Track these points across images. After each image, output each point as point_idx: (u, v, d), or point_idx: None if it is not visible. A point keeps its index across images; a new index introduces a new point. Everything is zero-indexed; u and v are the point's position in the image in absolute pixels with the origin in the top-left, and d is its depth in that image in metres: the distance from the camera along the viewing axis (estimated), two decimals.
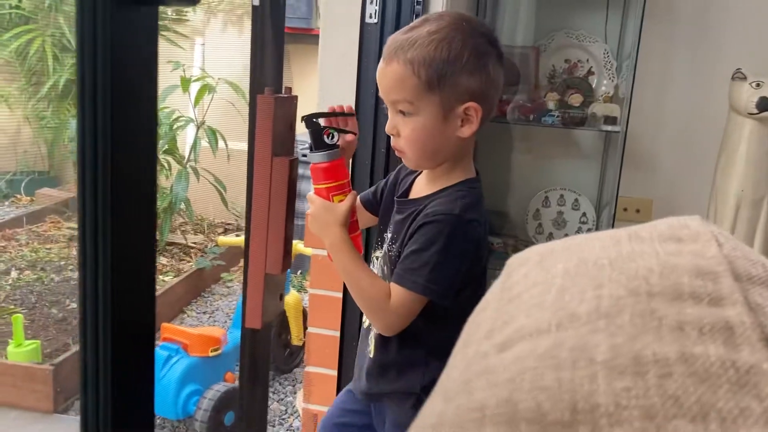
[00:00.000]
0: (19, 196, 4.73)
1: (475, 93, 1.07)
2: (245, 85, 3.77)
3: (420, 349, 1.17)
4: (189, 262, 3.88)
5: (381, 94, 1.12)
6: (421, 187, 1.20)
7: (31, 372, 2.51)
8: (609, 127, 2.17)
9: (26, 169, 4.92)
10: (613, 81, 2.33)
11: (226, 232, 4.48)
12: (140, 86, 0.51)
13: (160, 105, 3.71)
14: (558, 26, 2.39)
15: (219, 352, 2.46)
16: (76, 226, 4.17)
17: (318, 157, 1.10)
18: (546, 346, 0.28)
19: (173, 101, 3.74)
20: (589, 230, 2.44)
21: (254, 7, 0.87)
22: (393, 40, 1.09)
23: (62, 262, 3.63)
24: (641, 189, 2.41)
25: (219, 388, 2.32)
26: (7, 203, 4.67)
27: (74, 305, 3.16)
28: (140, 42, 0.50)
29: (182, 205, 3.86)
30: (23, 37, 4.69)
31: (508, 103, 2.31)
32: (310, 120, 1.10)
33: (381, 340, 1.19)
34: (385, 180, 1.28)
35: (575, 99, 2.20)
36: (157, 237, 3.84)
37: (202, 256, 3.92)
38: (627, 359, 0.25)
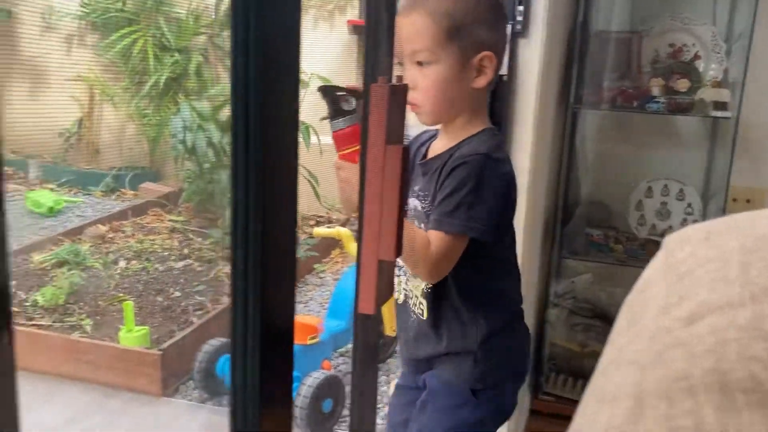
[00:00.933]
0: (124, 190, 4.98)
1: (490, 44, 1.12)
2: (337, 80, 3.82)
3: (470, 303, 1.17)
4: None
5: (397, 47, 1.12)
6: (439, 147, 1.21)
7: (141, 356, 2.64)
8: (719, 113, 2.07)
9: (130, 165, 5.16)
10: (722, 65, 2.22)
11: (317, 223, 4.56)
12: (286, 68, 0.52)
13: None
14: (661, 10, 2.30)
15: (316, 340, 2.51)
16: (177, 218, 4.34)
17: (343, 123, 1.12)
18: (746, 317, 0.27)
19: None
20: (695, 221, 2.34)
21: None
22: None
23: (165, 253, 3.80)
24: (753, 178, 2.29)
25: (317, 376, 2.38)
26: (113, 197, 4.92)
27: (178, 294, 3.30)
28: (286, 27, 0.51)
29: None
30: (127, 39, 4.93)
31: (609, 90, 2.25)
32: (327, 90, 1.13)
33: (432, 299, 1.19)
34: None
35: (682, 84, 2.12)
36: None
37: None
38: None
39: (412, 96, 1.13)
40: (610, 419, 0.28)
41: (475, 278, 1.18)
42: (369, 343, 1.03)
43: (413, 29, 1.10)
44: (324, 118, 1.15)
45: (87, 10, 5.21)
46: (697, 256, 0.35)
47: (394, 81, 0.99)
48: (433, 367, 1.24)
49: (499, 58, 1.15)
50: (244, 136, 0.49)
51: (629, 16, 2.37)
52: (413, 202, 1.20)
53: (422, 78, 1.12)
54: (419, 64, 1.12)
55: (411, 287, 1.23)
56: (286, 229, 0.56)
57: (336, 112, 1.12)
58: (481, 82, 1.13)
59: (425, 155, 1.23)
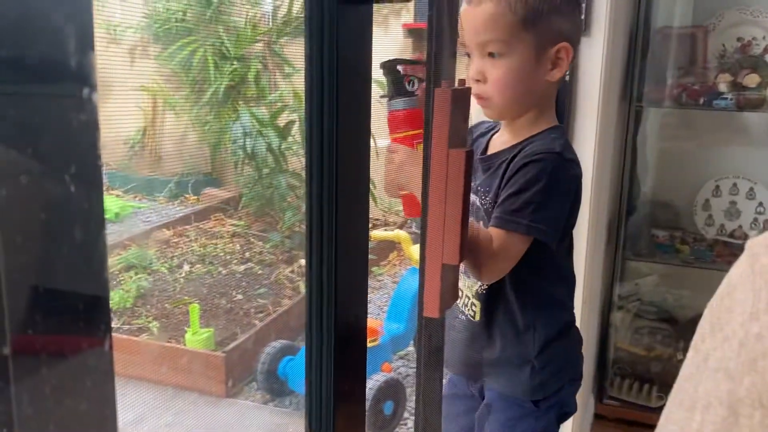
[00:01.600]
0: (187, 196, 5.10)
1: (567, 34, 1.06)
2: None
3: (527, 308, 1.13)
4: None
5: (466, 37, 1.07)
6: (503, 142, 1.15)
7: (206, 358, 2.70)
8: None
9: (192, 171, 5.29)
10: None
11: (374, 227, 4.58)
12: (359, 74, 0.53)
13: None
14: (727, 3, 2.23)
15: (376, 342, 2.52)
16: (238, 222, 4.42)
17: (402, 104, 1.08)
18: None
19: None
20: (766, 221, 2.26)
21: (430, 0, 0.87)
22: None
23: (227, 257, 3.88)
24: None
25: (378, 378, 2.38)
26: (177, 203, 5.05)
27: (240, 297, 3.37)
28: (358, 35, 0.52)
29: None
30: (188, 48, 5.05)
31: (674, 86, 2.19)
32: (390, 66, 1.08)
33: (487, 300, 1.15)
34: None
35: (751, 79, 2.05)
36: None
37: None
38: None
39: (481, 89, 1.08)
40: (702, 427, 0.27)
41: (533, 282, 1.14)
42: (434, 346, 1.03)
43: (486, 18, 1.04)
44: (383, 96, 1.11)
45: (149, 22, 5.37)
46: None
47: (456, 84, 0.99)
48: (487, 375, 1.21)
49: (575, 49, 1.09)
50: (319, 145, 0.50)
51: (693, 10, 2.30)
52: (472, 198, 1.16)
53: (492, 69, 1.06)
54: (490, 55, 1.06)
55: (463, 286, 1.18)
56: (359, 232, 0.57)
57: (396, 91, 1.08)
58: (556, 75, 1.07)
59: (486, 149, 1.19)
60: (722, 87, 2.08)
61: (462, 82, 1.02)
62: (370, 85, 0.52)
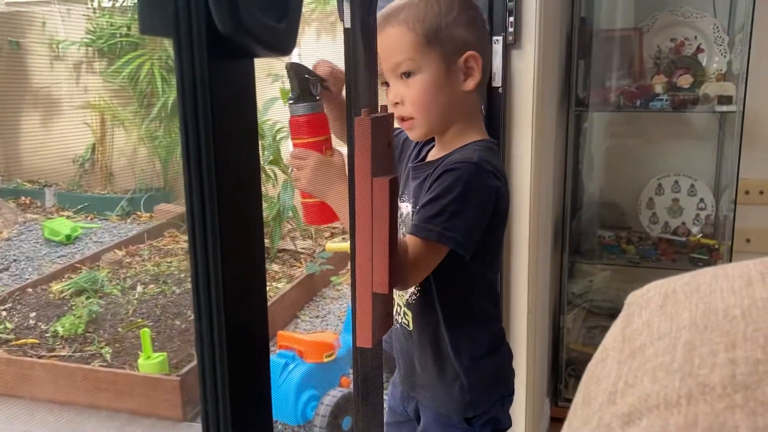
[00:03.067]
0: (139, 213, 5.02)
1: (472, 44, 1.09)
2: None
3: (453, 318, 1.14)
4: (299, 267, 3.98)
5: (378, 67, 1.08)
6: (433, 154, 1.18)
7: (160, 383, 2.65)
8: (724, 108, 2.04)
9: (144, 187, 5.21)
10: (725, 57, 2.19)
11: (332, 235, 4.57)
12: (241, 137, 0.51)
13: (263, 118, 3.83)
14: (660, 4, 2.27)
15: (333, 357, 2.50)
16: None
17: (303, 109, 1.06)
18: (677, 424, 0.26)
19: (274, 113, 3.85)
20: (707, 216, 2.31)
21: (346, 30, 0.87)
22: (380, 14, 1.08)
23: (182, 275, 3.82)
24: (765, 169, 2.24)
25: (335, 394, 2.37)
26: (129, 221, 4.96)
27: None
28: (239, 93, 0.50)
29: (290, 213, 3.97)
30: (134, 63, 4.98)
31: (612, 90, 2.22)
32: (297, 69, 1.07)
33: (417, 309, 1.16)
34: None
35: (684, 80, 2.09)
36: (268, 245, 3.97)
37: (311, 261, 4.01)
38: None
39: (402, 111, 1.10)
40: None
41: (459, 295, 1.15)
42: (369, 376, 1.02)
43: (390, 42, 1.07)
44: (289, 99, 1.09)
45: (93, 38, 5.27)
46: (651, 328, 0.33)
47: (379, 111, 0.98)
48: (422, 388, 1.22)
49: (485, 57, 1.11)
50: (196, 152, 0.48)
51: (629, 13, 2.34)
52: (402, 205, 1.17)
53: (408, 89, 1.08)
54: (403, 76, 1.08)
55: (395, 295, 1.18)
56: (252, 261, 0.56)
57: (300, 95, 1.07)
58: (470, 84, 1.10)
59: (425, 156, 1.20)
60: (658, 88, 2.11)
61: (384, 108, 1.02)
62: (257, 143, 0.50)
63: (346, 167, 1.03)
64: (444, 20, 1.07)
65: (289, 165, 1.09)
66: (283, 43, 0.43)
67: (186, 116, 0.49)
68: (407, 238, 1.04)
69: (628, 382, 0.31)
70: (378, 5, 0.97)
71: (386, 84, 1.11)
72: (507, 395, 1.23)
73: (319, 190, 1.08)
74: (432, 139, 1.21)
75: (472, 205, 1.04)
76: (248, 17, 0.39)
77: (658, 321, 0.34)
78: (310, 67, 1.10)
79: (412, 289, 1.16)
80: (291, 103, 1.08)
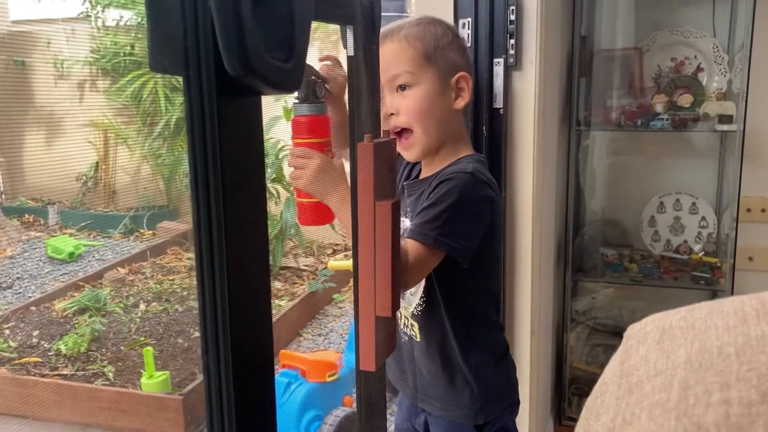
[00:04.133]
0: (142, 230, 5.03)
1: (463, 66, 1.17)
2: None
3: (460, 326, 1.17)
4: (302, 285, 3.98)
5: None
6: (426, 172, 1.22)
7: (163, 402, 2.65)
8: (725, 127, 2.05)
9: (147, 205, 5.22)
10: (725, 76, 2.20)
11: (334, 252, 4.57)
12: (248, 171, 0.52)
13: (266, 136, 3.85)
14: (661, 24, 2.29)
15: (336, 376, 2.50)
16: (194, 256, 4.41)
17: (307, 109, 1.07)
18: None
19: (278, 131, 3.87)
20: (709, 234, 2.31)
21: (349, 57, 0.88)
22: (381, 30, 1.11)
23: (185, 293, 3.83)
24: (766, 188, 2.25)
25: (338, 414, 2.36)
26: (132, 238, 4.97)
27: (197, 334, 3.32)
28: (246, 129, 0.51)
29: (292, 231, 3.98)
30: (138, 81, 5.01)
31: (613, 109, 2.23)
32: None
33: (423, 319, 1.18)
34: None
35: (685, 99, 2.10)
36: (271, 262, 3.98)
37: (313, 278, 4.02)
38: None
39: (396, 120, 1.15)
40: None
41: (465, 301, 1.18)
42: (373, 400, 1.02)
43: (391, 55, 1.13)
44: (294, 99, 1.10)
45: (97, 56, 5.31)
46: (648, 364, 0.34)
47: (381, 136, 0.99)
48: (431, 398, 1.23)
49: (471, 80, 1.19)
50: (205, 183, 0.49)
51: (629, 32, 2.36)
52: (403, 222, 1.20)
53: (404, 100, 1.13)
54: (399, 89, 1.14)
55: (401, 307, 1.20)
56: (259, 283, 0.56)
57: (305, 96, 1.08)
58: (460, 103, 1.16)
59: (418, 175, 1.25)
60: (658, 108, 2.12)
61: (386, 133, 1.03)
62: (263, 176, 0.51)
63: (347, 171, 1.06)
64: (441, 42, 1.14)
65: (290, 164, 1.09)
66: (289, 82, 0.45)
67: (195, 153, 0.50)
68: (407, 241, 1.08)
69: (626, 419, 0.31)
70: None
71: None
72: (515, 404, 1.25)
73: (320, 191, 1.09)
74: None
75: (467, 212, 1.09)
76: (256, 60, 0.40)
77: (655, 357, 0.34)
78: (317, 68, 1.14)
79: (417, 300, 1.19)
80: (295, 103, 1.10)
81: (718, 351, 0.31)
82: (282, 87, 0.45)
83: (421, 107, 1.13)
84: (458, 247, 1.07)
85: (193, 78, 0.45)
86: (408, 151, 1.18)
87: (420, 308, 1.19)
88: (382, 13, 1.02)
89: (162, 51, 0.45)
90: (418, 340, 1.21)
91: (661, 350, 0.34)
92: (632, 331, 0.38)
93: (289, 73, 0.45)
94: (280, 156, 3.88)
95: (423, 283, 1.16)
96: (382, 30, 1.13)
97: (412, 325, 1.21)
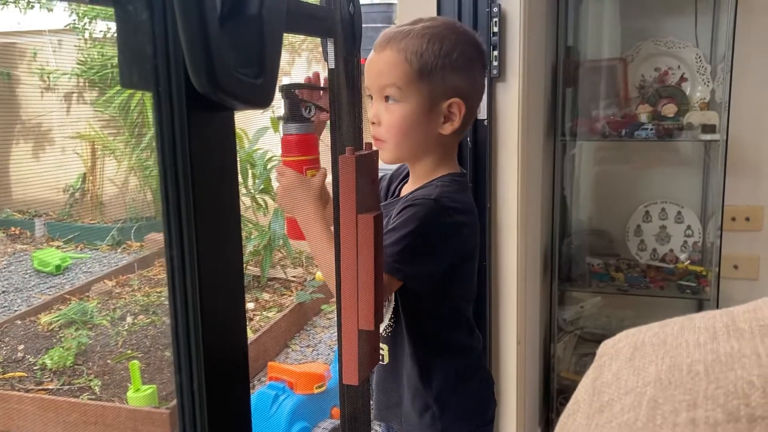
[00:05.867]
0: (129, 242, 5.00)
1: (461, 91, 1.10)
2: None
3: (423, 351, 1.15)
4: (290, 296, 3.97)
5: (367, 82, 1.12)
6: (407, 189, 1.21)
7: (149, 415, 2.62)
8: (708, 136, 2.06)
9: (134, 216, 5.19)
10: (708, 86, 2.22)
11: None
12: (220, 186, 0.52)
13: (254, 147, 3.84)
14: (644, 35, 2.31)
15: (323, 388, 2.49)
16: None
17: (295, 128, 1.09)
18: None
19: (265, 142, 3.87)
20: (695, 243, 2.32)
21: (330, 70, 0.88)
22: (386, 32, 1.11)
23: None
24: (750, 196, 2.27)
25: (326, 426, 2.35)
26: (119, 250, 4.94)
27: None
28: (217, 145, 0.51)
29: (280, 242, 3.97)
30: (125, 93, 4.99)
31: (598, 119, 2.24)
32: (288, 90, 1.09)
33: (392, 343, 1.18)
34: None
35: (669, 109, 2.11)
36: (259, 273, 3.96)
37: (301, 289, 4.00)
38: None
39: (376, 131, 1.13)
40: None
41: (429, 326, 1.17)
42: (356, 413, 1.02)
43: (385, 64, 1.09)
44: (280, 118, 1.12)
45: (84, 68, 5.29)
46: (620, 381, 0.34)
47: (363, 148, 0.99)
48: (400, 422, 1.23)
49: (471, 107, 1.12)
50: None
51: (614, 42, 2.37)
52: None
53: (387, 114, 1.10)
54: (387, 99, 1.10)
55: None
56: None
57: (292, 115, 1.09)
58: (448, 129, 1.11)
59: (396, 192, 1.24)
60: (643, 117, 2.14)
61: (368, 145, 1.03)
62: (237, 191, 0.51)
63: (329, 190, 1.05)
64: (441, 61, 1.07)
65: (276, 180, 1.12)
66: (260, 98, 0.44)
67: (165, 169, 0.49)
68: None
69: None
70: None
71: (370, 97, 1.14)
72: (487, 422, 1.24)
73: (289, 208, 1.11)
74: (405, 177, 1.24)
75: (426, 241, 1.06)
76: (224, 77, 0.40)
77: (626, 374, 0.34)
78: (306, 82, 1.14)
79: (387, 322, 1.18)
80: (282, 122, 1.11)
81: (687, 368, 0.31)
82: (252, 103, 0.45)
83: (401, 126, 1.09)
84: (412, 275, 1.06)
85: (163, 94, 0.45)
86: (381, 151, 1.15)
87: (389, 330, 1.18)
88: (371, 24, 1.02)
89: (131, 67, 0.44)
90: (386, 362, 1.20)
91: (632, 368, 0.34)
92: (605, 348, 0.38)
93: (260, 89, 0.44)
94: (269, 167, 3.87)
95: (392, 305, 1.15)
96: (386, 32, 1.12)
97: (381, 347, 1.21)
